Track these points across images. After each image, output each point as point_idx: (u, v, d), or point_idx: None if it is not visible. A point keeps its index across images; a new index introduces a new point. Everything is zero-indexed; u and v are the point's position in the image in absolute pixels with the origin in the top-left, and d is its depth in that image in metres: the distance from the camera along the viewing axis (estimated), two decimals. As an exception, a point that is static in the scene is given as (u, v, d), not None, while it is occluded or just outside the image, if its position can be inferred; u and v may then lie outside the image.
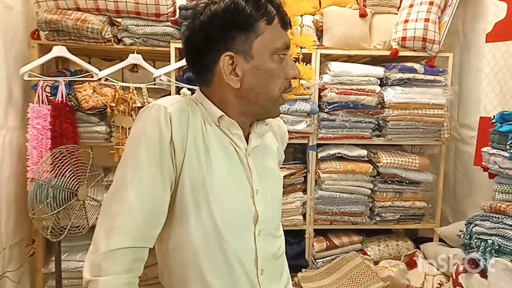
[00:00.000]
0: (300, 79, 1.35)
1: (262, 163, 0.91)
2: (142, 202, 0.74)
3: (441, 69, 2.30)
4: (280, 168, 1.01)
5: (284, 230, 0.98)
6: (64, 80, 2.05)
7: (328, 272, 2.19)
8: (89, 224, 1.87)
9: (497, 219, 1.40)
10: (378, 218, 2.35)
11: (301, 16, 1.36)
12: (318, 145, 2.32)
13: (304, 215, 2.34)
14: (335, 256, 2.33)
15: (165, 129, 0.75)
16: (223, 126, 0.84)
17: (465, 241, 1.51)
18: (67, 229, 1.75)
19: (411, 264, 2.25)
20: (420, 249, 2.35)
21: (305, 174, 2.33)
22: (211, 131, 0.83)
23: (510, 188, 1.42)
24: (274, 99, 0.83)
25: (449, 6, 2.22)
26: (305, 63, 1.41)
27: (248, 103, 0.83)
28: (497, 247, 1.37)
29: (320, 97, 2.27)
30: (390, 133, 2.30)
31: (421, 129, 2.31)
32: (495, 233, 1.39)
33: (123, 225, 0.73)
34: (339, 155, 2.29)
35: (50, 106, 2.02)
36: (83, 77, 2.12)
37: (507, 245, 1.34)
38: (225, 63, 0.79)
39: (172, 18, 2.24)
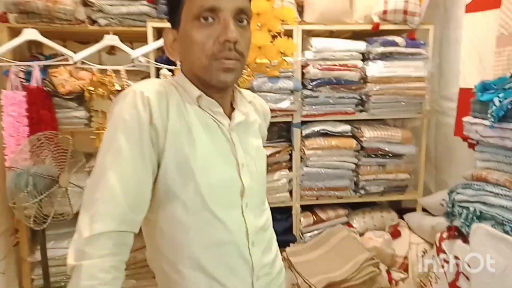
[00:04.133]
0: (282, 54, 1.33)
1: (246, 139, 0.91)
2: (124, 186, 0.73)
3: (422, 42, 2.30)
4: (264, 146, 1.01)
5: (271, 207, 1.00)
6: (38, 65, 1.97)
7: (316, 245, 2.24)
8: (73, 211, 1.84)
9: (478, 187, 1.43)
10: (362, 192, 2.39)
11: (281, -11, 1.33)
12: (302, 123, 2.32)
13: (290, 192, 2.36)
14: (321, 230, 2.37)
15: (143, 112, 0.75)
16: (204, 106, 0.84)
17: (448, 209, 1.55)
18: (50, 217, 1.72)
19: (395, 234, 2.32)
20: (404, 219, 2.41)
21: (290, 152, 2.34)
22: (191, 110, 0.82)
23: (491, 156, 1.45)
24: (203, 66, 0.79)
25: (429, -23, 2.21)
26: (287, 37, 1.39)
27: (194, 75, 0.83)
28: (478, 213, 1.41)
29: (303, 74, 2.26)
30: (373, 107, 2.31)
31: (403, 103, 2.33)
32: (476, 200, 1.43)
33: (105, 210, 0.71)
34: (323, 131, 2.30)
35: (25, 92, 1.94)
36: (57, 61, 2.05)
37: (488, 211, 1.38)
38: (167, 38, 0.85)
39: (148, -4, 2.16)
